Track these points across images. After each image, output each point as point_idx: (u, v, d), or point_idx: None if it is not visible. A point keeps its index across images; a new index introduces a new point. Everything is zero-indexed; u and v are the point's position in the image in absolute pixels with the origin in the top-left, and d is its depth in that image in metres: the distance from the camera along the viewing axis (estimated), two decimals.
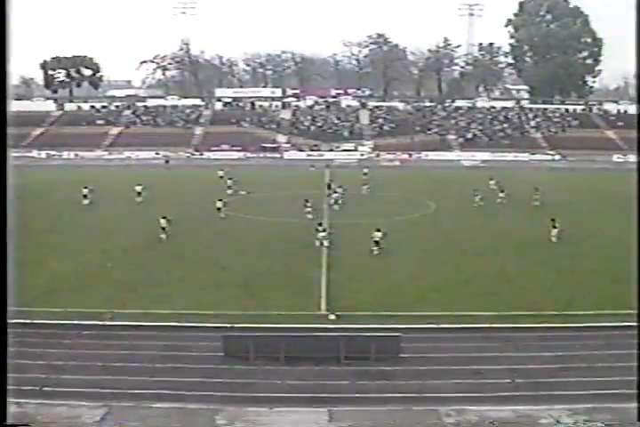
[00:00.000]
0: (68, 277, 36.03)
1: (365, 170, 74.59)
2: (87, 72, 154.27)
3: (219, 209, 53.54)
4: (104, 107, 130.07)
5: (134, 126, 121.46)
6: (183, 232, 46.80)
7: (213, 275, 36.75)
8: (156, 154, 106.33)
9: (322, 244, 42.55)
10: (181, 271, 37.43)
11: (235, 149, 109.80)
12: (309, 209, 53.10)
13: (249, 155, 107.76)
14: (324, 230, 43.61)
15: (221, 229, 49.29)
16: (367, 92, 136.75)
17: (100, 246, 43.63)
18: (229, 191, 65.26)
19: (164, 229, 45.60)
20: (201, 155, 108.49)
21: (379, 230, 41.81)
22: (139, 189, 61.60)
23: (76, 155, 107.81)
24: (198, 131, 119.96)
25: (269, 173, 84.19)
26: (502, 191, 60.93)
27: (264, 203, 60.35)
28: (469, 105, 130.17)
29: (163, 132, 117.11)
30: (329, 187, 62.14)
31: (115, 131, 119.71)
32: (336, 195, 58.72)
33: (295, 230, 48.78)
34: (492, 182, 68.29)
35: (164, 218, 45.99)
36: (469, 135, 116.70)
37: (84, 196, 59.75)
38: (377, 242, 41.46)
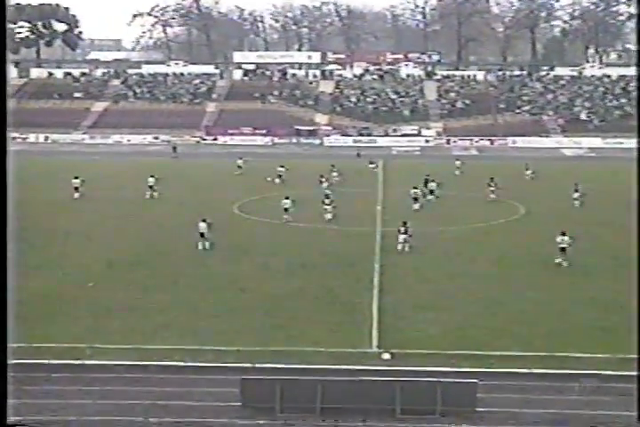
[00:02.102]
0: (34, 301, 36.30)
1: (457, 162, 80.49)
2: (60, 27, 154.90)
3: (286, 209, 54.07)
4: (84, 74, 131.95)
5: (125, 101, 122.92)
6: (190, 241, 47.09)
7: (229, 298, 36.95)
8: (155, 138, 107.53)
9: (403, 248, 45.02)
10: (186, 293, 37.73)
11: (259, 132, 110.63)
12: (328, 207, 54.12)
13: (278, 140, 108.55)
14: (405, 232, 45.11)
15: (240, 238, 49.60)
16: (435, 58, 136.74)
17: (80, 259, 44.22)
18: (277, 180, 70.03)
19: (202, 235, 46.04)
20: (214, 140, 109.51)
21: (564, 234, 42.42)
22: (151, 181, 62.86)
23: (47, 138, 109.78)
24: (211, 108, 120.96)
25: (304, 164, 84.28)
26: (577, 191, 60.82)
27: (297, 203, 60.45)
28: (574, 74, 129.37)
29: (163, 110, 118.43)
30: (426, 183, 62.73)
31: (99, 107, 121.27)
32: (414, 190, 59.53)
33: (337, 240, 48.95)
34: (528, 173, 74.31)
35: (203, 221, 46.42)
36: (576, 115, 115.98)
37: (76, 188, 62.07)
38: (563, 249, 42.08)
